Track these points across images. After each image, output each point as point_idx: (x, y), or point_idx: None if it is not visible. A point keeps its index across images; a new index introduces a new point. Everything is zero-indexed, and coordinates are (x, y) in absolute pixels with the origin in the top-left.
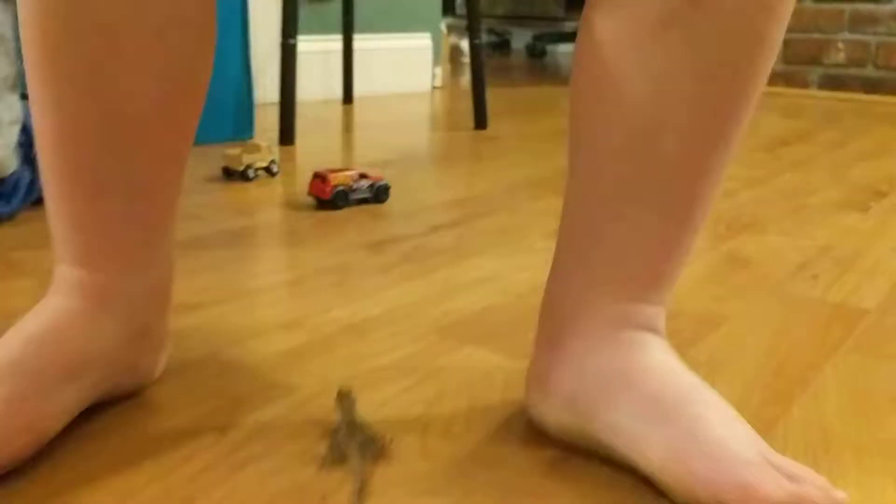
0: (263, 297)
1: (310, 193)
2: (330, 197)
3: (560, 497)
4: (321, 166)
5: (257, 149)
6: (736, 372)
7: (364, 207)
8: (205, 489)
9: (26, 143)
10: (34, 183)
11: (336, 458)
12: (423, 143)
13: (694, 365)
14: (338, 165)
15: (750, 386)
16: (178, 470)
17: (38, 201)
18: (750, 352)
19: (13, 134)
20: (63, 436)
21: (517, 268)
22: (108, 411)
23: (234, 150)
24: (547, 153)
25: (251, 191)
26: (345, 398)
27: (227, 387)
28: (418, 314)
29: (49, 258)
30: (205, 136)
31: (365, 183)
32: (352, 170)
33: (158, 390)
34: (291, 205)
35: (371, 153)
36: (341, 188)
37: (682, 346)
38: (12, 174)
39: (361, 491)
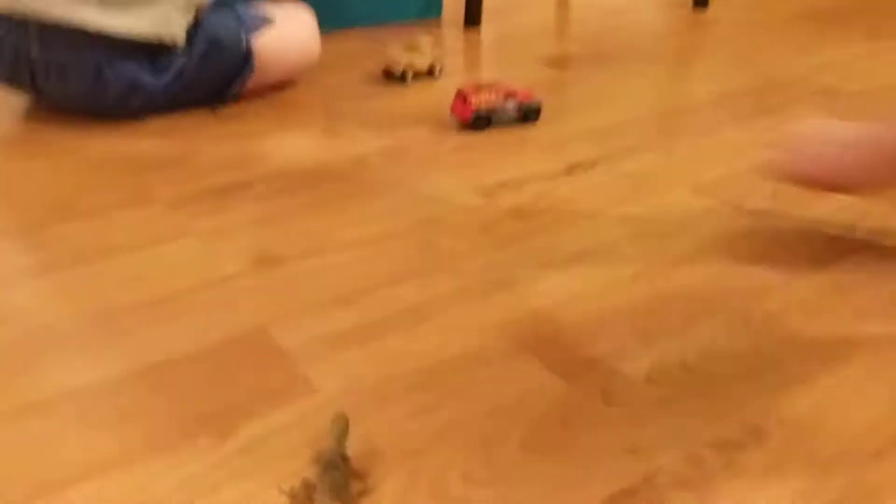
0: (344, 255)
1: (452, 112)
2: (470, 121)
3: None
4: (483, 71)
5: (418, 48)
6: None
7: (507, 131)
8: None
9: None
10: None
11: (304, 498)
12: (621, 30)
13: None
14: (493, 77)
15: None
16: (164, 479)
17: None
18: None
19: (188, 19)
20: None
21: (637, 236)
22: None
23: (394, 51)
24: (775, 49)
25: (405, 98)
26: (336, 425)
27: (254, 376)
28: (486, 301)
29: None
30: (392, 15)
31: (512, 104)
32: (499, 88)
33: (186, 365)
34: (436, 121)
35: (549, 45)
36: (483, 111)
37: None
38: (173, 54)
39: None
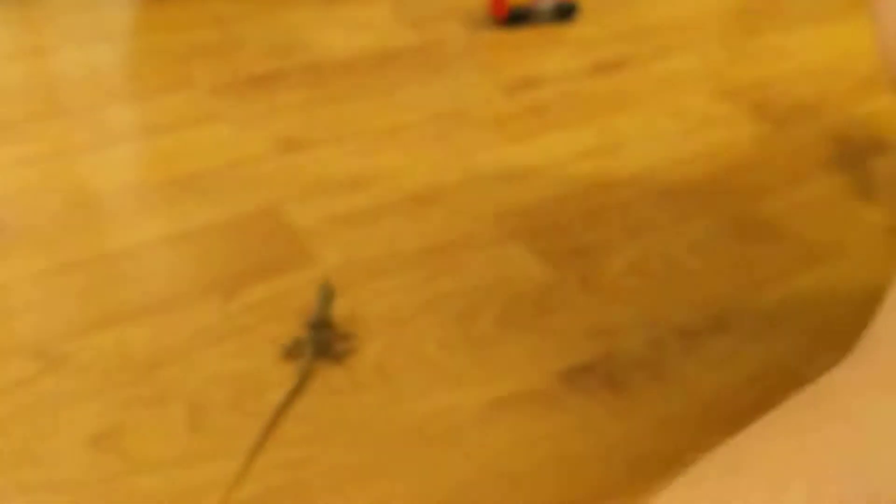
0: (362, 142)
1: (488, 8)
2: (506, 17)
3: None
4: None
5: None
6: None
7: (542, 28)
8: (185, 354)
9: None
10: None
11: (295, 353)
12: None
13: None
14: None
15: None
16: (177, 330)
17: None
18: None
19: None
20: None
21: (648, 137)
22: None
23: None
24: None
25: None
26: (322, 291)
27: (264, 248)
28: (488, 192)
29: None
30: None
31: (548, 1)
32: None
33: (206, 235)
34: (471, 17)
35: None
36: (518, 8)
37: None
38: None
39: (295, 392)
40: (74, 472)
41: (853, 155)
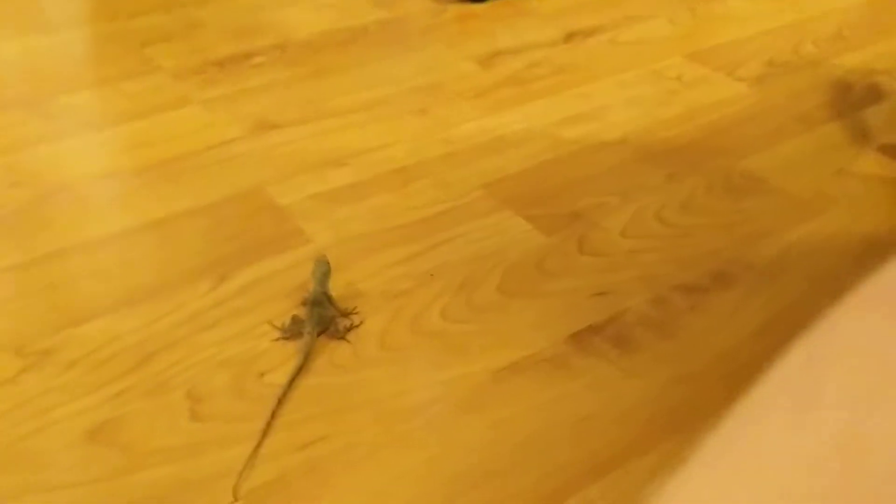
0: (339, 119)
1: None
2: None
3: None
4: None
5: None
6: None
7: (509, 1)
8: (179, 341)
9: None
10: None
11: (294, 331)
12: None
13: None
14: None
15: None
16: (168, 316)
17: None
18: None
19: None
20: None
21: (628, 102)
22: None
23: None
24: None
25: None
26: (318, 267)
27: (251, 230)
28: (476, 163)
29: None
30: None
31: None
32: None
33: (189, 220)
34: None
35: None
36: None
37: None
38: None
39: (299, 371)
40: (71, 470)
41: (829, 108)
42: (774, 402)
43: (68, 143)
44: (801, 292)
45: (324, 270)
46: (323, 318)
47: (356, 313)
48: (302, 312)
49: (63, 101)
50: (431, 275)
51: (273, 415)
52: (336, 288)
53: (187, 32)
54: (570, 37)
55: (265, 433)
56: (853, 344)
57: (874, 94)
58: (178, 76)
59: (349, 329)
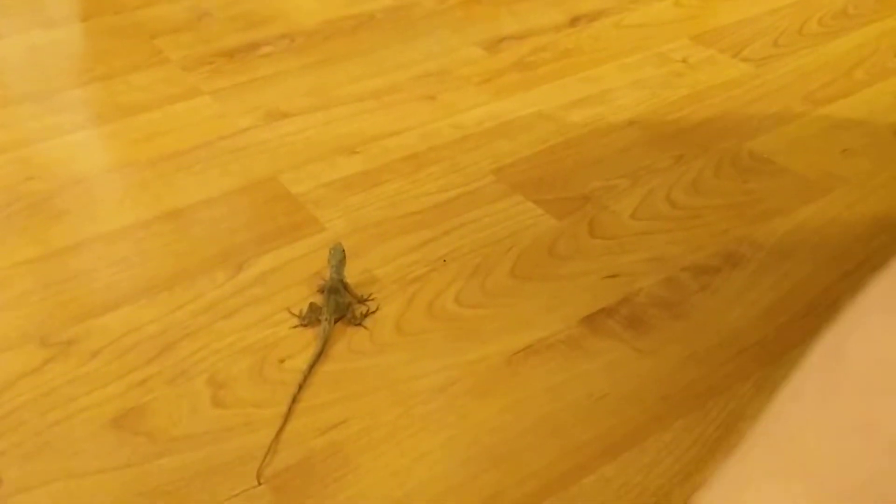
0: (349, 107)
1: None
2: None
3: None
4: None
5: None
6: None
7: None
8: (199, 330)
9: None
10: None
11: (312, 318)
12: None
13: None
14: None
15: None
16: (187, 306)
17: None
18: None
19: None
20: None
21: (635, 84)
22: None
23: None
24: None
25: None
26: (333, 254)
27: (266, 218)
28: (487, 146)
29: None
30: None
31: None
32: None
33: (204, 210)
34: None
35: None
36: None
37: None
38: None
39: (318, 357)
40: (99, 457)
41: (834, 88)
42: (803, 393)
43: (80, 136)
44: (809, 271)
45: (339, 258)
46: (340, 305)
47: (372, 299)
48: (319, 300)
49: (73, 95)
50: (445, 260)
51: (294, 400)
52: (351, 275)
53: (194, 23)
54: (574, 21)
55: (287, 418)
56: (871, 344)
57: (879, 73)
58: (186, 67)
59: (366, 315)
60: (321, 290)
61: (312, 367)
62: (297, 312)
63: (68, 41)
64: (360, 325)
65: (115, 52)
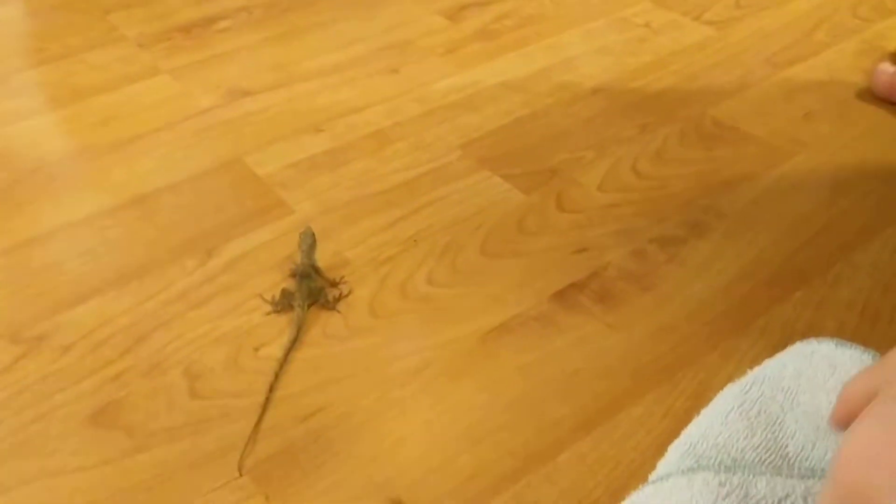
0: (313, 83)
1: None
2: None
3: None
4: None
5: None
6: None
7: None
8: (172, 320)
9: None
10: None
11: (285, 304)
12: None
13: None
14: None
15: None
16: (158, 295)
17: None
18: None
19: None
20: None
21: (599, 51)
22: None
23: None
24: None
25: None
26: (304, 238)
27: (233, 202)
28: (453, 120)
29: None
30: None
31: None
32: None
33: (169, 195)
34: None
35: None
36: None
37: None
38: None
39: (293, 344)
40: (77, 454)
41: (795, 49)
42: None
43: (37, 121)
44: (773, 239)
45: (309, 242)
46: (312, 290)
47: (344, 283)
48: (291, 285)
49: (27, 77)
50: (415, 240)
51: (271, 388)
52: (323, 258)
53: None
54: None
55: (265, 407)
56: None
57: (840, 34)
58: (143, 45)
59: (339, 299)
60: (293, 275)
61: (288, 354)
62: (269, 299)
63: (19, 19)
64: (333, 309)
65: (69, 30)
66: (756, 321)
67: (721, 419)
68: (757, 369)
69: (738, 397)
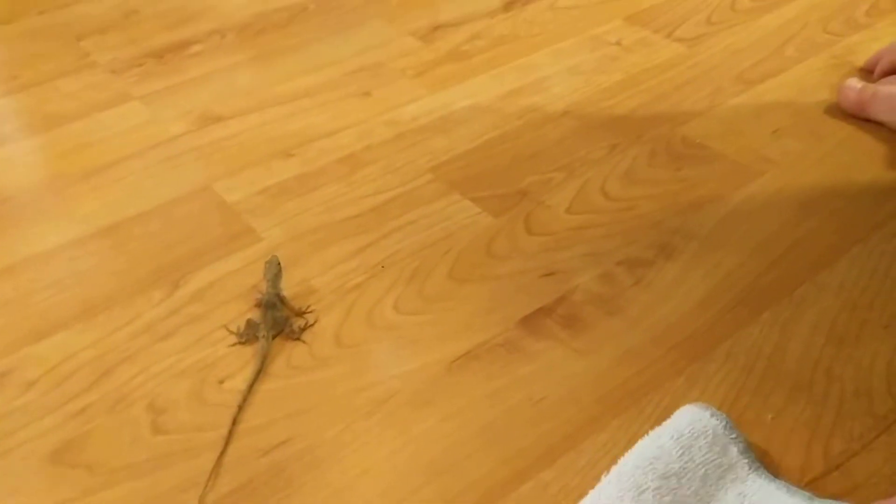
0: (284, 108)
1: None
2: None
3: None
4: None
5: None
6: None
7: None
8: (137, 353)
9: None
10: None
11: (250, 335)
12: None
13: None
14: None
15: None
16: (125, 328)
17: None
18: None
19: None
20: None
21: (570, 71)
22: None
23: None
24: None
25: None
26: (269, 268)
27: (202, 231)
28: (424, 143)
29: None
30: None
31: None
32: None
33: (139, 225)
34: None
35: None
36: None
37: None
38: None
39: (257, 376)
40: (37, 494)
41: (766, 66)
42: None
43: (9, 150)
44: (740, 260)
45: (275, 271)
46: (277, 321)
47: (311, 312)
48: (256, 315)
49: (0, 105)
50: (383, 266)
51: (235, 422)
52: (289, 286)
53: (122, 21)
54: (509, 5)
55: (228, 441)
56: None
57: (809, 49)
58: (115, 71)
59: (304, 329)
60: (258, 305)
61: (252, 386)
62: (234, 329)
63: None
64: (298, 339)
65: (42, 56)
66: (722, 344)
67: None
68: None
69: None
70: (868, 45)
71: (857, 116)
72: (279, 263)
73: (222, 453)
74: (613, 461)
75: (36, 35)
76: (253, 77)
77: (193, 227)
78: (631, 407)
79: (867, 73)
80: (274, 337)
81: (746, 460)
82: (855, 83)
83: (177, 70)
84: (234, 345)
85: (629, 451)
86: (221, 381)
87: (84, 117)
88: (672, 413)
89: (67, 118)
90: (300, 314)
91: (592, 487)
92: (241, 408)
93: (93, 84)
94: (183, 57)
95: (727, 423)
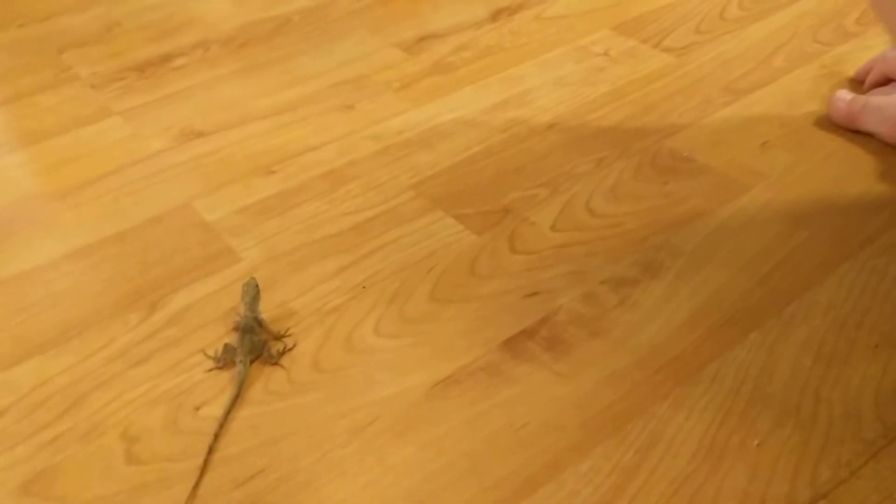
0: (266, 122)
1: None
2: None
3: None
4: None
5: None
6: None
7: None
8: (111, 379)
9: None
10: None
11: (227, 360)
12: None
13: None
14: None
15: None
16: (100, 353)
17: None
18: None
19: None
20: None
21: (556, 82)
22: None
23: None
24: None
25: None
26: (247, 290)
27: (180, 251)
28: (407, 158)
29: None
30: None
31: None
32: None
33: (116, 245)
34: None
35: None
36: None
37: None
38: None
39: (234, 403)
40: None
41: (754, 76)
42: None
43: None
44: (727, 277)
45: (252, 294)
46: (255, 345)
47: (289, 335)
48: (234, 339)
49: None
50: (364, 287)
51: (210, 451)
52: (268, 309)
53: (104, 34)
54: (496, 15)
55: (203, 471)
56: None
57: (799, 58)
58: (96, 85)
59: (282, 353)
60: (235, 329)
61: (228, 413)
62: (211, 354)
63: None
64: (276, 363)
65: (22, 70)
66: (708, 366)
67: None
68: None
69: None
70: (858, 55)
71: (847, 128)
72: (257, 286)
73: (197, 484)
74: (596, 490)
75: (15, 48)
76: (235, 91)
77: (172, 247)
78: (614, 433)
79: (857, 83)
80: (252, 362)
81: None
82: (845, 94)
83: (158, 84)
84: (210, 370)
85: None
86: (198, 408)
87: (63, 133)
88: (657, 438)
89: (46, 134)
90: (278, 338)
91: None
92: (216, 436)
93: (73, 99)
94: (165, 70)
95: None
